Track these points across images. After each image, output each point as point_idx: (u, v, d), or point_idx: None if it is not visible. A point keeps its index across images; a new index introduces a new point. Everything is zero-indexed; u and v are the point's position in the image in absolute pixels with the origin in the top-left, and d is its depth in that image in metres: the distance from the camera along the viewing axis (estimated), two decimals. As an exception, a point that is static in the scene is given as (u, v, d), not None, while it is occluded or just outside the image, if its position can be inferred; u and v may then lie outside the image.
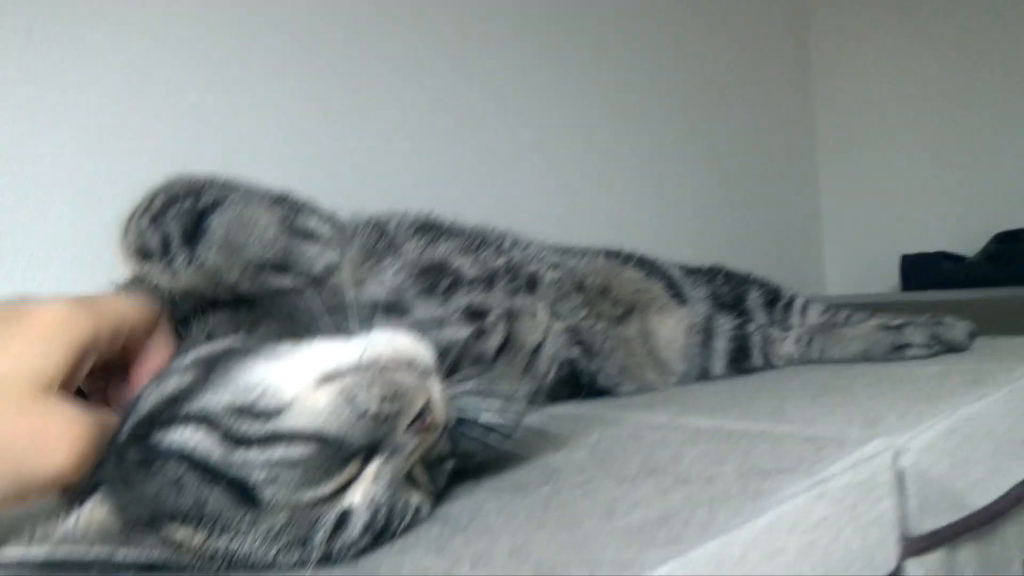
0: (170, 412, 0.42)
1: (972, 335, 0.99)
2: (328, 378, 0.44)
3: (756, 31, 2.12)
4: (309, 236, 0.48)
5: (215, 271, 0.47)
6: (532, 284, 0.87)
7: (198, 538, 0.40)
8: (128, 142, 1.02)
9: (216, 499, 0.40)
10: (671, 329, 1.01)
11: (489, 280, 0.80)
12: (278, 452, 0.40)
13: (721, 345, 1.03)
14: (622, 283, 1.01)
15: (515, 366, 0.57)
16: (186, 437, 0.41)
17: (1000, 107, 2.02)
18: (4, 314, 0.41)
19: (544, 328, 0.58)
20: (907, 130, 2.18)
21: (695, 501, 0.46)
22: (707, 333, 1.03)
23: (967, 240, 1.99)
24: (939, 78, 2.11)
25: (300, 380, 0.44)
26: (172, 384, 0.44)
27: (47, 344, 0.40)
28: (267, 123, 1.15)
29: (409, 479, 0.47)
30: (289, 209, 0.49)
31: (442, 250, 0.78)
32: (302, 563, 0.40)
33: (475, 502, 0.53)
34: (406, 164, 1.30)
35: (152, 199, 0.51)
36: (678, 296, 1.05)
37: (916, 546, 0.55)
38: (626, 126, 1.72)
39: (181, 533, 0.40)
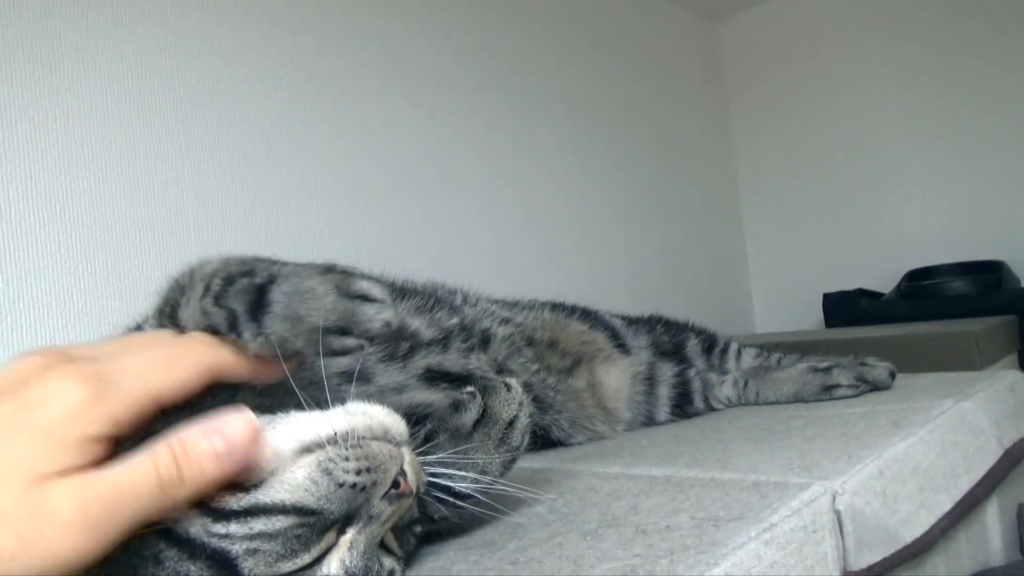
0: None
1: (892, 375, 1.06)
2: (307, 450, 0.46)
3: (682, 103, 2.26)
4: (365, 298, 0.50)
5: (282, 341, 0.48)
6: (485, 341, 0.90)
7: None
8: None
9: (196, 574, 0.41)
10: (616, 379, 1.05)
11: (445, 341, 0.82)
12: (258, 525, 0.42)
13: (664, 392, 1.07)
14: (568, 336, 1.05)
15: (491, 438, 0.60)
16: None
17: (908, 160, 2.18)
18: (25, 398, 0.40)
19: (518, 402, 0.60)
20: (822, 181, 2.32)
21: (656, 552, 0.50)
22: (651, 381, 1.07)
23: (882, 277, 2.12)
24: (849, 135, 2.26)
25: (279, 453, 0.45)
26: None
27: (61, 434, 0.39)
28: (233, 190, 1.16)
29: (382, 545, 0.49)
30: (340, 275, 0.51)
31: (399, 312, 0.80)
32: None
33: (445, 562, 0.55)
34: (358, 220, 1.32)
35: (208, 282, 0.52)
36: (621, 346, 1.10)
37: (855, 581, 0.59)
38: (566, 185, 1.79)
39: None
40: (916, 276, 2.02)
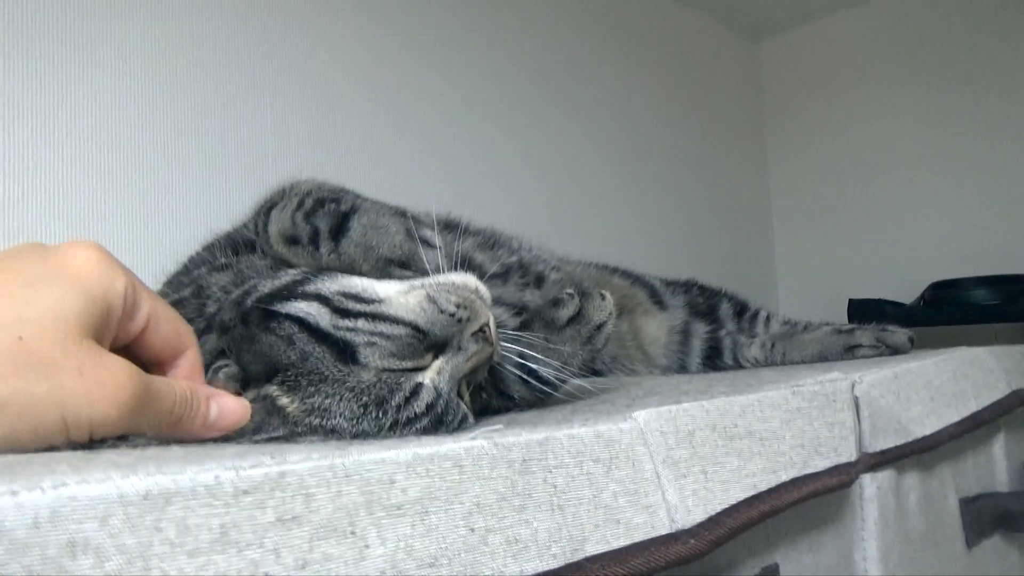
0: (288, 291, 0.53)
1: (911, 340, 1.14)
2: (415, 288, 0.56)
3: (721, 113, 2.37)
4: (425, 243, 0.61)
5: (351, 262, 0.60)
6: (540, 281, 0.99)
7: (295, 403, 0.50)
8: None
9: (320, 354, 0.50)
10: (655, 328, 1.14)
11: (504, 275, 0.92)
12: (380, 327, 0.52)
13: (697, 344, 1.16)
14: (612, 288, 1.14)
15: (580, 336, 0.67)
16: (302, 307, 0.51)
17: (934, 178, 2.26)
18: (37, 254, 0.41)
19: (608, 311, 0.68)
20: (852, 194, 2.41)
21: (703, 392, 0.59)
22: (685, 334, 1.16)
23: (906, 289, 2.18)
24: (880, 153, 2.35)
25: (393, 288, 0.55)
26: (287, 278, 0.55)
27: (86, 290, 0.40)
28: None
29: (458, 393, 0.58)
30: (410, 220, 0.62)
31: (466, 246, 0.90)
32: (378, 429, 0.50)
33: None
34: (432, 170, 1.45)
35: (303, 199, 0.64)
36: (659, 303, 1.19)
37: (870, 461, 0.67)
38: (613, 181, 1.91)
39: (284, 398, 0.50)
40: (940, 287, 2.09)
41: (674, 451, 0.45)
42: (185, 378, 0.47)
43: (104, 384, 0.38)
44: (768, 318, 1.25)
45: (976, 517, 0.82)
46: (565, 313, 0.66)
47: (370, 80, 1.39)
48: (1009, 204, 2.13)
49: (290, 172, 0.80)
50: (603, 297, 0.68)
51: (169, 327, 0.47)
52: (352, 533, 0.29)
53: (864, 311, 2.10)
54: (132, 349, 0.46)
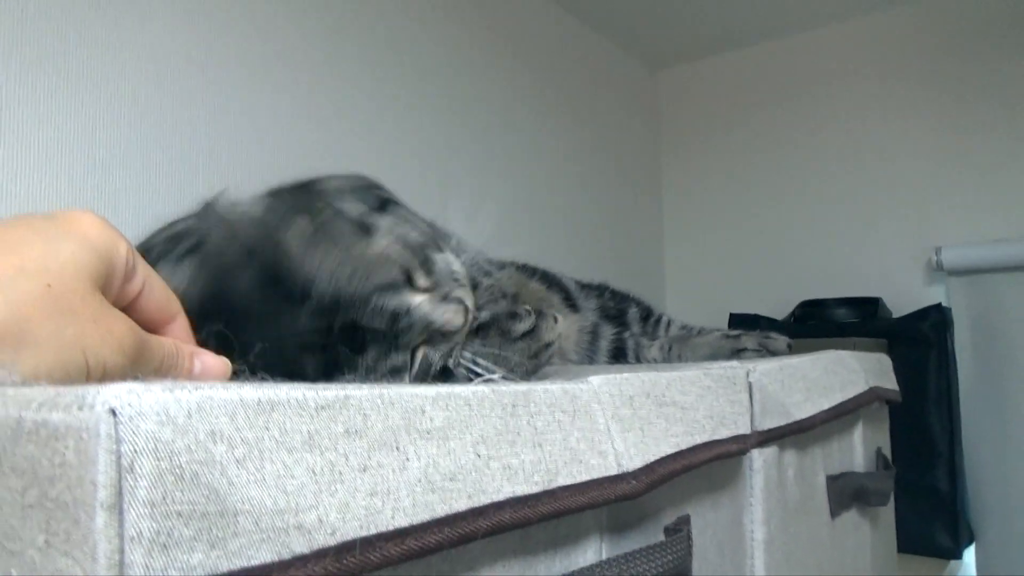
0: None
1: (789, 347, 1.30)
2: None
3: (618, 136, 2.52)
4: (441, 251, 0.69)
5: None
6: (474, 287, 1.08)
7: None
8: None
9: None
10: (567, 328, 1.24)
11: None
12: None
13: (604, 344, 1.27)
14: (530, 292, 1.24)
15: (530, 350, 0.74)
16: None
17: (807, 207, 2.51)
18: (42, 216, 0.43)
19: (558, 333, 0.76)
20: (738, 217, 2.63)
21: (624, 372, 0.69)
22: (594, 335, 1.27)
23: (779, 306, 2.41)
24: (761, 182, 2.59)
25: None
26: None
27: (95, 248, 0.42)
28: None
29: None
30: (434, 230, 0.72)
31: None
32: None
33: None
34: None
35: (354, 182, 0.71)
36: (572, 306, 1.30)
37: (759, 438, 0.80)
38: (519, 187, 2.01)
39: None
40: (808, 305, 2.32)
41: (620, 410, 0.54)
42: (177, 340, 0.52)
43: (112, 332, 0.42)
44: (668, 323, 1.39)
45: (839, 492, 0.97)
46: (521, 327, 0.73)
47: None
48: (868, 233, 2.40)
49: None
50: (556, 320, 0.75)
51: (161, 293, 0.51)
52: (396, 448, 0.37)
53: (743, 324, 2.31)
54: (128, 312, 0.50)
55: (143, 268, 0.49)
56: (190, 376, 0.49)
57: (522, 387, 0.47)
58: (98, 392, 0.27)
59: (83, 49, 1.12)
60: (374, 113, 1.59)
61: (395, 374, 0.59)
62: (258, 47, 1.37)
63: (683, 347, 1.32)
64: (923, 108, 2.32)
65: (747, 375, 0.80)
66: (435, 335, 0.62)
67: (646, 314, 1.38)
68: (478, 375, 0.69)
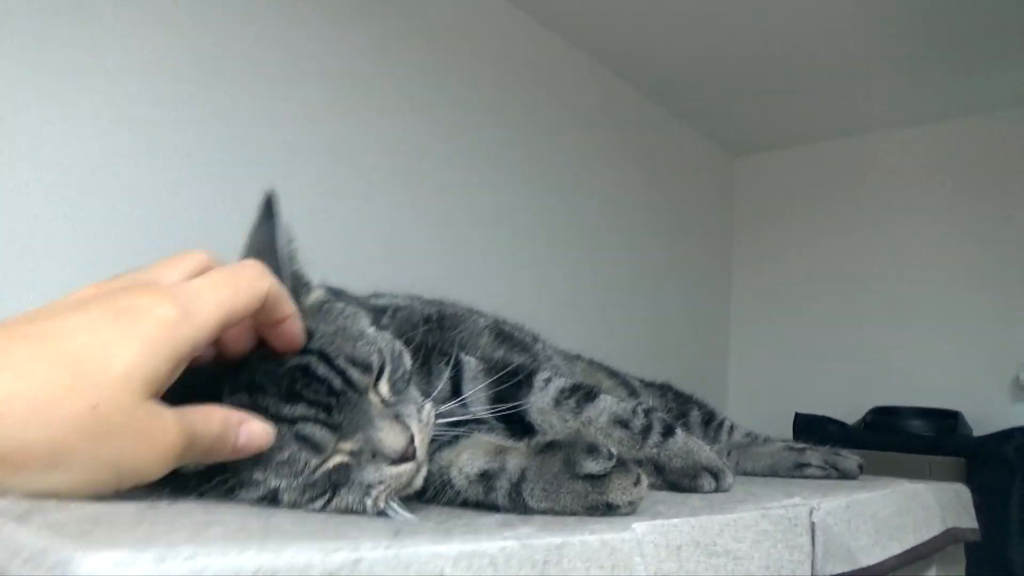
0: None
1: (860, 468, 1.21)
2: None
3: (694, 222, 2.50)
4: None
5: None
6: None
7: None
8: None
9: None
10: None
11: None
12: None
13: (662, 448, 1.21)
14: (600, 384, 1.20)
15: (579, 497, 0.61)
16: None
17: (884, 307, 2.40)
18: (121, 306, 0.42)
19: (632, 499, 0.60)
20: (809, 311, 2.54)
21: (678, 500, 0.64)
22: (652, 437, 1.21)
23: (848, 410, 2.29)
24: (833, 277, 2.50)
25: None
26: None
27: (159, 350, 0.41)
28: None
29: None
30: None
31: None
32: None
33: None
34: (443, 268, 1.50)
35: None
36: (638, 404, 1.25)
37: (820, 584, 0.73)
38: (593, 268, 1.99)
39: None
40: (881, 412, 2.20)
41: (664, 563, 0.49)
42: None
43: (156, 445, 0.41)
44: (732, 428, 1.32)
45: (907, 647, 0.87)
46: (591, 467, 0.58)
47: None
48: (950, 343, 2.28)
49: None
50: (638, 480, 0.59)
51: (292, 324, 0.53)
52: (409, 617, 0.33)
53: (808, 426, 2.20)
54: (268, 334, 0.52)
55: (195, 311, 0.44)
56: (234, 450, 0.48)
57: (556, 539, 0.43)
58: (81, 562, 0.25)
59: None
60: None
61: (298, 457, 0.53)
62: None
63: (743, 455, 1.25)
64: (1017, 215, 2.21)
65: (810, 514, 0.73)
66: (366, 447, 0.54)
67: (708, 418, 1.32)
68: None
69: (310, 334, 0.56)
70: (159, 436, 0.41)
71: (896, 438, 2.03)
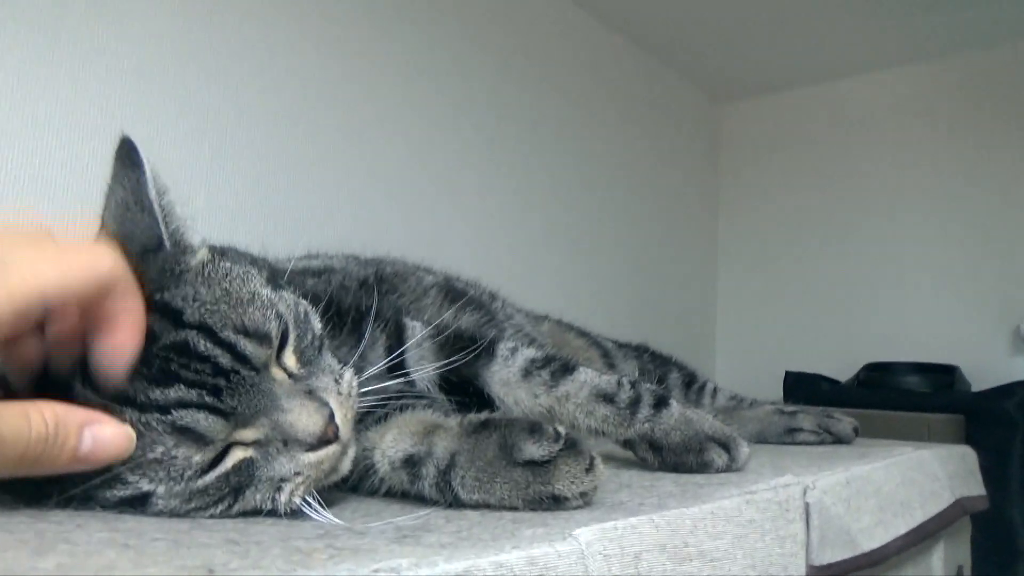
0: None
1: (856, 431, 1.10)
2: None
3: (677, 170, 2.37)
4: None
5: None
6: None
7: None
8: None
9: None
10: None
11: None
12: None
13: (639, 415, 1.10)
14: (570, 348, 1.09)
15: (520, 487, 0.51)
16: None
17: (877, 261, 2.29)
18: None
19: (584, 489, 0.50)
20: (797, 267, 2.42)
21: (654, 493, 0.52)
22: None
23: (840, 367, 2.19)
24: (826, 230, 2.38)
25: None
26: None
27: None
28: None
29: None
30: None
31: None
32: None
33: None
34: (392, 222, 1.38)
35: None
36: (611, 366, 1.13)
37: (816, 575, 0.62)
38: (571, 221, 1.87)
39: None
40: (873, 369, 2.10)
41: (617, 579, 0.38)
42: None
43: None
44: (715, 391, 1.21)
45: (912, 635, 0.78)
46: (533, 451, 0.48)
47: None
48: (946, 293, 2.17)
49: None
50: (591, 466, 0.48)
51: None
52: None
53: (799, 384, 2.09)
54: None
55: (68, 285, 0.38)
56: (75, 456, 0.37)
57: (456, 566, 0.31)
58: None
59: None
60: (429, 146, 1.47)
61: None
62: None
63: (729, 419, 1.13)
64: (1017, 157, 2.09)
65: (804, 494, 0.62)
66: (274, 435, 0.44)
67: (689, 380, 1.20)
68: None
69: (188, 302, 0.44)
70: None
71: (891, 395, 1.93)
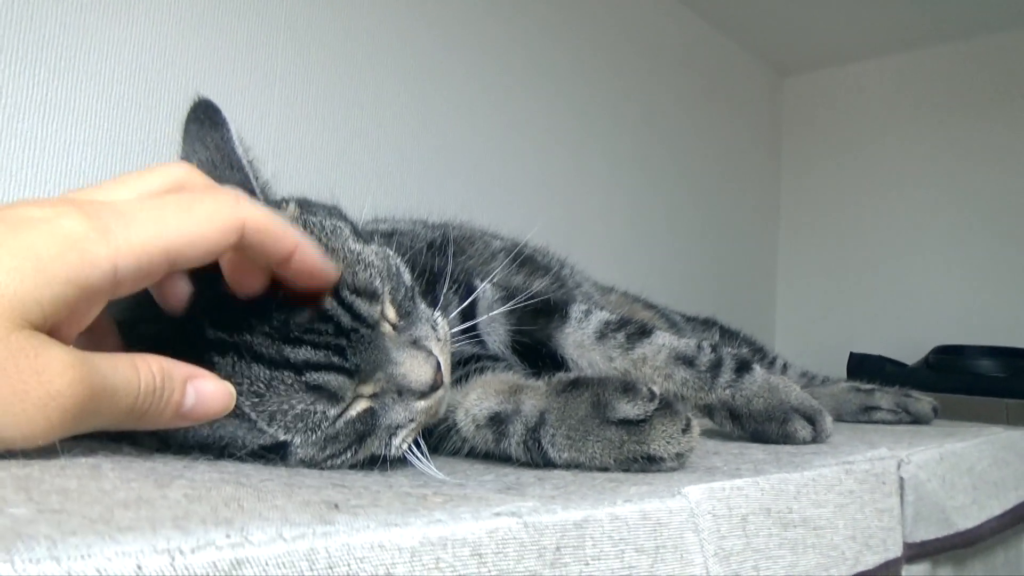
0: None
1: (935, 410, 1.06)
2: None
3: (740, 144, 2.31)
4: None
5: None
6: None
7: None
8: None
9: None
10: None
11: None
12: None
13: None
14: (640, 316, 1.07)
15: (614, 445, 0.50)
16: None
17: (948, 239, 2.20)
18: (15, 216, 0.33)
19: (680, 449, 0.48)
20: (862, 245, 2.34)
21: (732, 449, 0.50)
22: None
23: (906, 349, 2.12)
24: (894, 206, 2.29)
25: None
26: None
27: (49, 267, 0.31)
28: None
29: None
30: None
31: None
32: None
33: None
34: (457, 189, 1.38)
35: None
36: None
37: (909, 553, 0.60)
38: (631, 194, 1.85)
39: None
40: (944, 351, 2.02)
41: (726, 540, 0.36)
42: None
43: (31, 391, 0.30)
44: (785, 367, 1.18)
45: (1002, 621, 0.75)
46: (628, 410, 0.47)
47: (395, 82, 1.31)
48: (1018, 272, 2.08)
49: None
50: (687, 427, 0.46)
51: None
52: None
53: (864, 366, 2.03)
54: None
55: (118, 233, 0.34)
56: (178, 412, 0.37)
57: (575, 515, 0.30)
58: None
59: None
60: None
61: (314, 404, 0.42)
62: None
63: (802, 397, 1.11)
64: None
65: (898, 468, 0.60)
66: (389, 387, 0.45)
67: (759, 356, 1.17)
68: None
69: None
70: (34, 380, 0.30)
71: (964, 379, 1.86)
